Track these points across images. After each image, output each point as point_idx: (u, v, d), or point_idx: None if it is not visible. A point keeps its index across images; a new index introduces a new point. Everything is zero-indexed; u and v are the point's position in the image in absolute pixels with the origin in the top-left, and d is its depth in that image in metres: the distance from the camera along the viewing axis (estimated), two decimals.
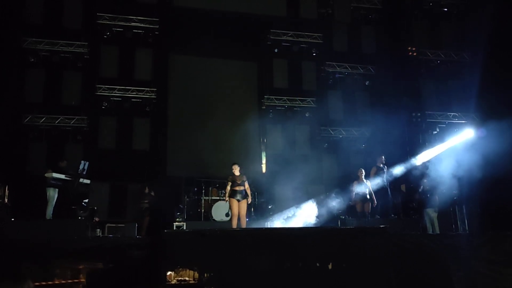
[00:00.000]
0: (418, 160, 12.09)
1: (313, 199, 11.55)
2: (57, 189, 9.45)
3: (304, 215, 11.14)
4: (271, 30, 14.46)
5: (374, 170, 10.93)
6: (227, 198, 8.75)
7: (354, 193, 10.46)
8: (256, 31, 14.45)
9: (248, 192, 8.86)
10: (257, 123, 14.11)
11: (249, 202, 9.05)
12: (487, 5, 13.01)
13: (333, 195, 11.78)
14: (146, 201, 11.15)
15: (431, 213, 10.47)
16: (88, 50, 13.11)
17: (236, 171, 8.81)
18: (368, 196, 10.32)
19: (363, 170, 10.61)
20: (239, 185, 8.67)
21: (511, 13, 11.99)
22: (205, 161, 12.70)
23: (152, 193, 11.32)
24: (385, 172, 10.90)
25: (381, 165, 10.96)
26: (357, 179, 10.55)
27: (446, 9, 15.16)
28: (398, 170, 11.75)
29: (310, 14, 14.94)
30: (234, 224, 8.61)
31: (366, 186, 10.38)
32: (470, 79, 13.45)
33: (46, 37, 12.86)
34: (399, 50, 14.96)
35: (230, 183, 8.74)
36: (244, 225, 8.76)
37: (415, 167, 11.99)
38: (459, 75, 14.74)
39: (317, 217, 11.04)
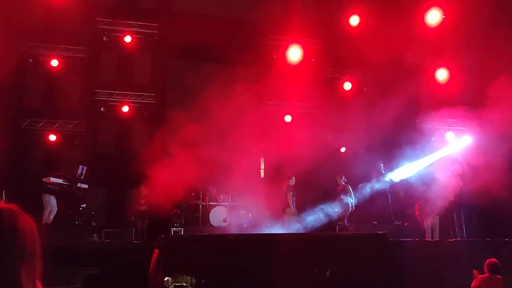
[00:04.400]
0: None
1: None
2: (52, 195, 9.42)
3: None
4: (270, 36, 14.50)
5: (375, 176, 10.99)
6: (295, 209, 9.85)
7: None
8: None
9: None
10: (257, 128, 14.08)
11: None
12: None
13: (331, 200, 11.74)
14: (143, 204, 11.07)
15: (432, 219, 10.45)
16: (87, 54, 13.12)
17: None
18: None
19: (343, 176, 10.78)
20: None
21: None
22: (203, 166, 12.65)
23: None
24: (387, 178, 10.95)
25: (382, 172, 11.01)
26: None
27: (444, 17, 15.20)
28: (397, 176, 11.77)
29: None
30: None
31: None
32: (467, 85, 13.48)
33: (46, 41, 12.88)
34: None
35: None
36: None
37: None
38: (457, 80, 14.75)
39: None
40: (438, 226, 10.46)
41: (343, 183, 10.89)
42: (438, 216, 10.54)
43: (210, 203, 12.16)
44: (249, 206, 12.12)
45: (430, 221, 10.43)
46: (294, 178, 9.99)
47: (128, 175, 12.64)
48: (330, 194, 12.10)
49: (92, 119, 13.03)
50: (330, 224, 11.11)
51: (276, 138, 14.15)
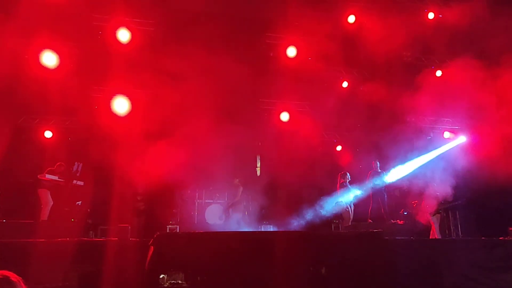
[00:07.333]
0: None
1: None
2: (49, 191, 9.40)
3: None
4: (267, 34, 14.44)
5: (371, 175, 11.02)
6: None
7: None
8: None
9: None
10: (254, 125, 14.07)
11: None
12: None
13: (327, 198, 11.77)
14: (139, 201, 11.05)
15: (432, 218, 10.46)
16: (82, 51, 13.00)
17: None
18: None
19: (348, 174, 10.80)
20: None
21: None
22: (199, 163, 12.64)
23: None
24: (383, 177, 10.99)
25: (378, 170, 11.05)
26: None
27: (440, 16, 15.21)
28: (393, 175, 11.82)
29: None
30: None
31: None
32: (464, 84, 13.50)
33: (40, 37, 12.76)
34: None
35: None
36: None
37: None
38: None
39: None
40: (437, 225, 10.47)
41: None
42: (435, 215, 10.55)
43: (206, 201, 12.17)
44: (245, 204, 12.11)
45: (426, 220, 10.45)
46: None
47: (124, 172, 12.60)
48: (327, 192, 12.15)
49: (87, 115, 12.95)
50: (326, 222, 11.16)
51: (272, 136, 14.18)
